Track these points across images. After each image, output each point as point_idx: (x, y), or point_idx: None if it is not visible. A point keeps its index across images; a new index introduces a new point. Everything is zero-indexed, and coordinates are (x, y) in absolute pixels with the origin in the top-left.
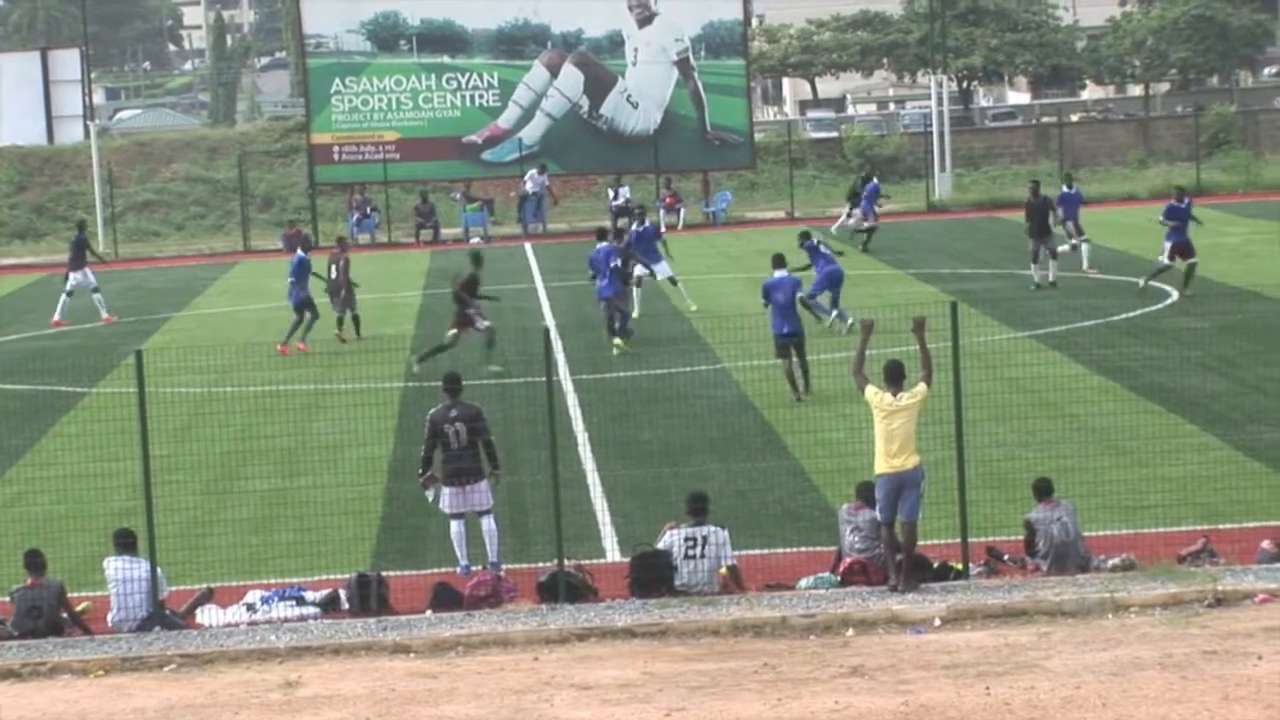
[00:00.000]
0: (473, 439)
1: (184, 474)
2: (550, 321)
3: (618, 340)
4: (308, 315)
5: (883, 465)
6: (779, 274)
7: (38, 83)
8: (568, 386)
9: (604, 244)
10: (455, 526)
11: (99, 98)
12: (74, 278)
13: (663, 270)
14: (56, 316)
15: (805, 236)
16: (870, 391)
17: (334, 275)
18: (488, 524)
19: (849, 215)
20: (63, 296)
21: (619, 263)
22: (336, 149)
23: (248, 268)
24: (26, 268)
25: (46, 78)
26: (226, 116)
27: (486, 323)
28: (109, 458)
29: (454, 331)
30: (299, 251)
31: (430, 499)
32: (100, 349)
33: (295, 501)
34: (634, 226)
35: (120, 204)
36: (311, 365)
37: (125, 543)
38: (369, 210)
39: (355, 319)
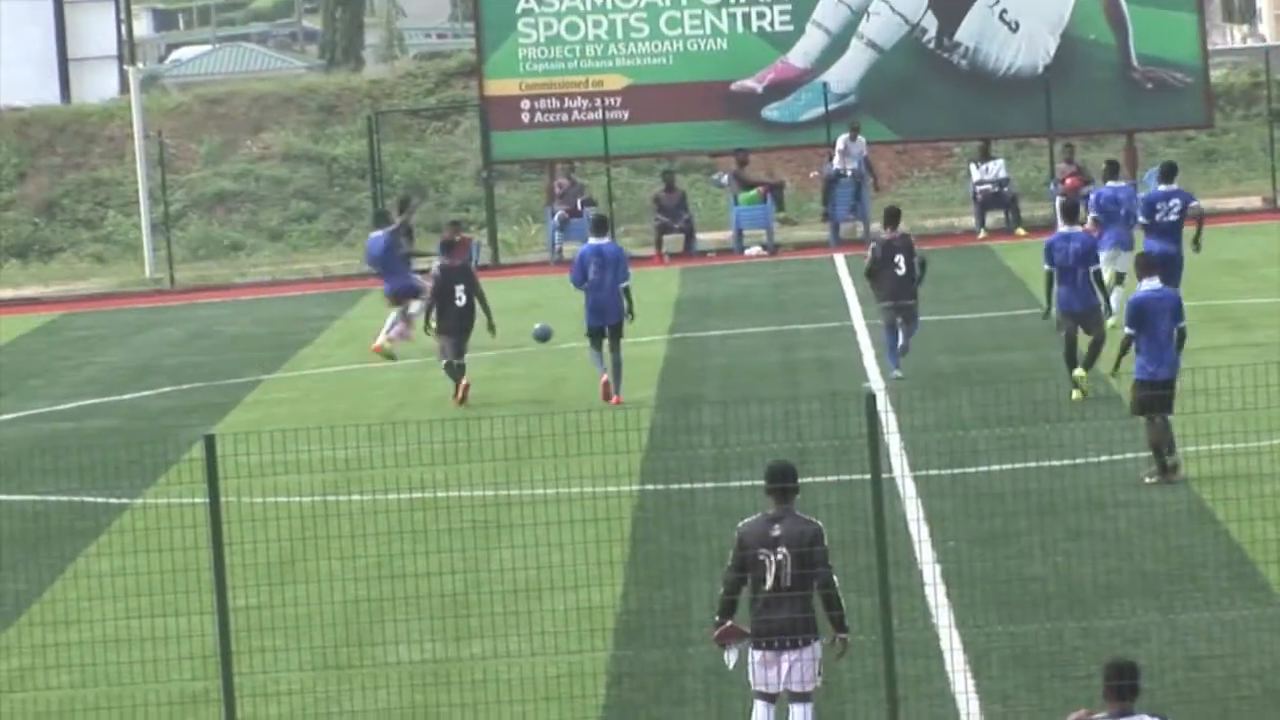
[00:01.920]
0: (805, 577)
1: (284, 636)
2: (876, 382)
3: (1078, 373)
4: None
5: None
6: None
7: (46, 10)
8: (907, 488)
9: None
10: (762, 711)
11: (143, 28)
12: None
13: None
14: None
15: None
16: None
17: None
18: (803, 716)
19: None
20: None
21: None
22: (526, 104)
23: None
24: (29, 304)
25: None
26: (347, 55)
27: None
28: (163, 611)
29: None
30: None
31: (728, 662)
32: (149, 433)
33: (464, 681)
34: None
35: (178, 199)
36: (492, 458)
37: None
38: (581, 205)
39: None
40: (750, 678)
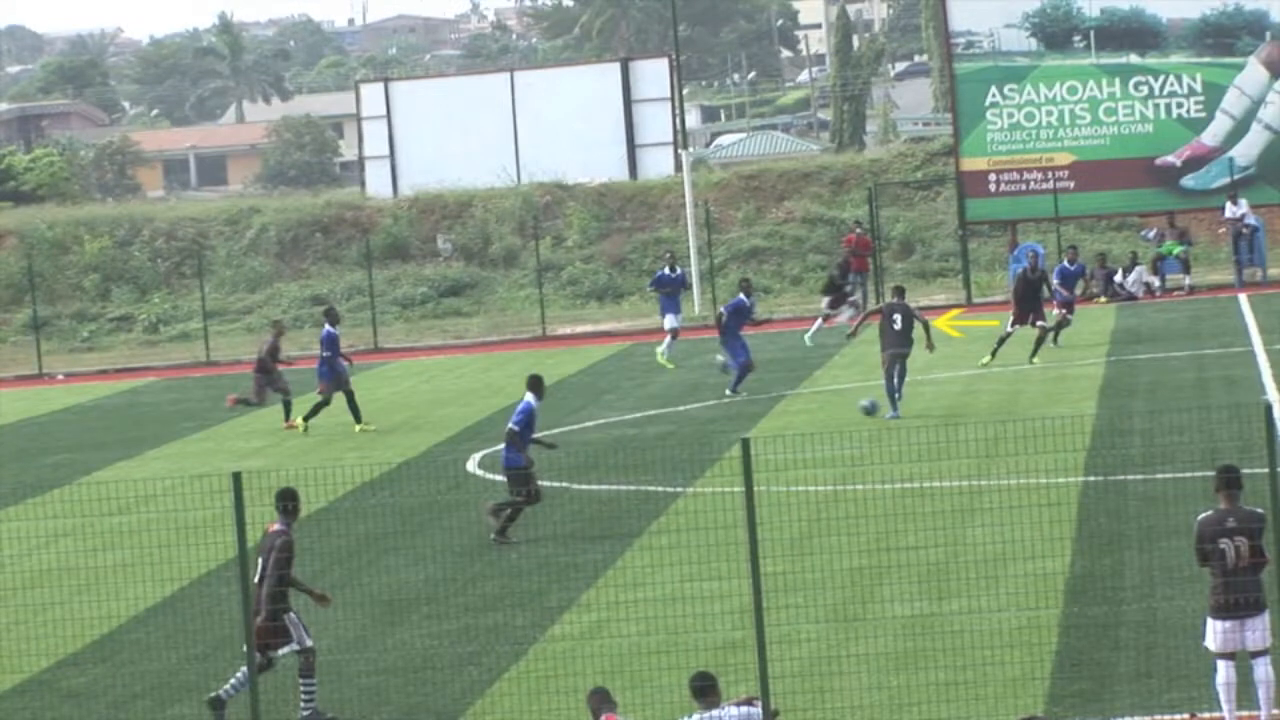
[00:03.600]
0: (1257, 558)
1: (804, 595)
2: (1274, 396)
3: None
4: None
5: None
6: None
7: (617, 102)
8: None
9: None
10: (1225, 670)
11: (693, 119)
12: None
13: None
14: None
15: None
16: None
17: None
18: (1265, 669)
19: None
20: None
21: None
22: (993, 177)
23: None
24: (605, 336)
25: (628, 95)
26: (853, 139)
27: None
28: (709, 575)
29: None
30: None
31: None
32: (696, 437)
33: (946, 630)
34: None
35: (720, 253)
36: (965, 456)
37: (704, 687)
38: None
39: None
40: (1213, 645)
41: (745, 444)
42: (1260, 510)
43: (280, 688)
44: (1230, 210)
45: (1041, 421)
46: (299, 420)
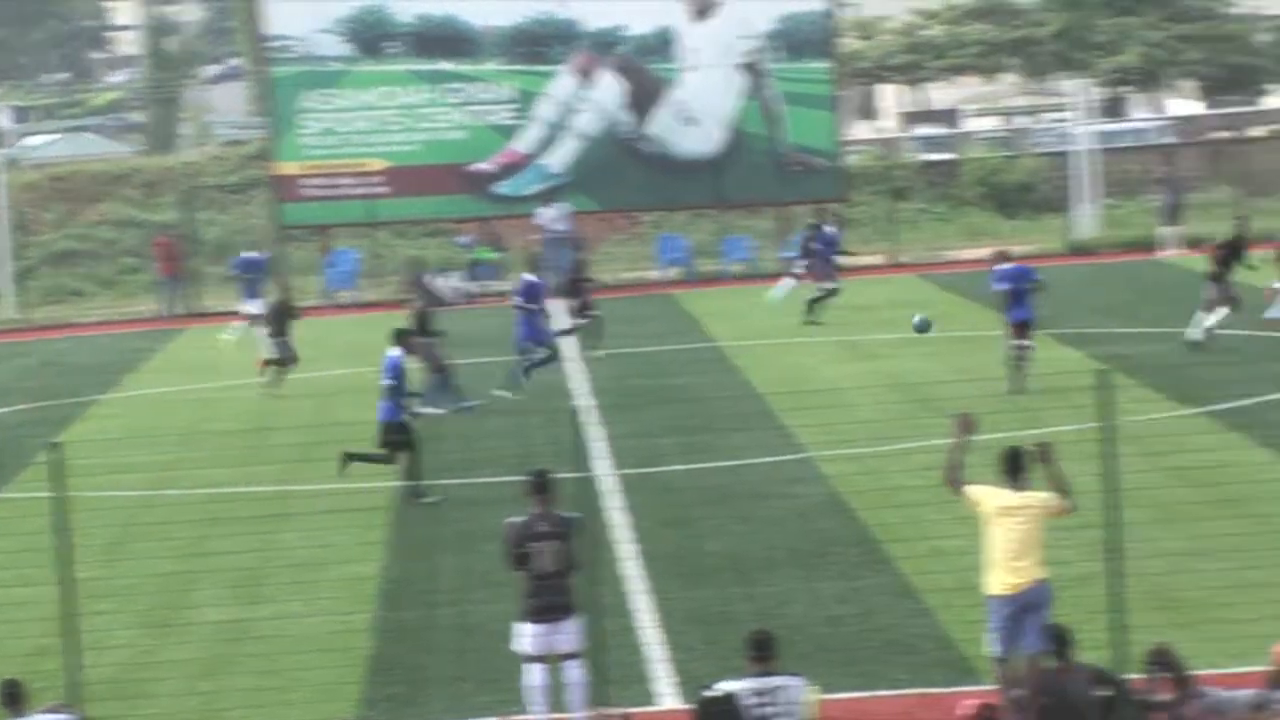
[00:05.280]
0: (567, 562)
1: (117, 601)
2: (588, 400)
3: None
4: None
5: (998, 583)
6: None
7: None
8: (609, 485)
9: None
10: (538, 674)
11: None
12: None
13: None
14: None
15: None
16: (975, 490)
17: None
18: (576, 672)
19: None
20: None
21: None
22: (306, 182)
23: (196, 336)
24: None
25: None
26: (166, 142)
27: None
28: (17, 581)
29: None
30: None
31: None
32: (5, 442)
33: (258, 636)
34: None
35: (31, 256)
36: (276, 461)
37: (11, 695)
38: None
39: None
40: (526, 648)
41: (55, 447)
42: (572, 515)
43: None
44: (542, 216)
45: (353, 427)
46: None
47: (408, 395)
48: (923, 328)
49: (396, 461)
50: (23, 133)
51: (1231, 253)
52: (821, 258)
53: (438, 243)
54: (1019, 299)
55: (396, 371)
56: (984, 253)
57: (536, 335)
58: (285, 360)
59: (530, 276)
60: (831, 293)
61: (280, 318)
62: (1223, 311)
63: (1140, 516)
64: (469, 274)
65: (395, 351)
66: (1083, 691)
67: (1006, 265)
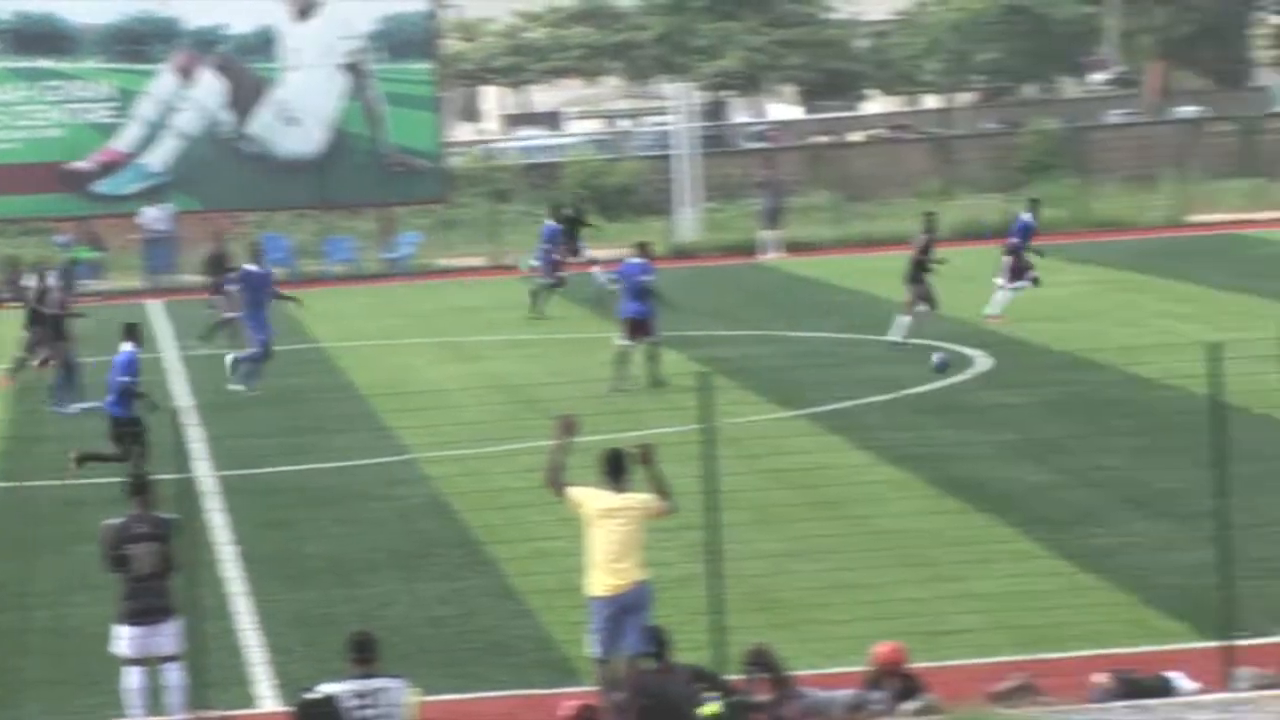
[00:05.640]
0: (166, 564)
1: None
2: (187, 401)
3: None
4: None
5: (599, 584)
6: None
7: None
8: (209, 486)
9: None
10: (137, 677)
11: None
12: None
13: None
14: None
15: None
16: (577, 492)
17: None
18: (176, 674)
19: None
20: None
21: None
22: None
23: None
24: None
25: None
26: None
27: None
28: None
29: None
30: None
31: None
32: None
33: None
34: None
35: None
36: None
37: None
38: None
39: None
40: (125, 650)
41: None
42: (171, 516)
43: None
44: (145, 216)
45: None
46: None
47: (138, 393)
48: (942, 367)
49: (129, 458)
50: None
51: (926, 254)
52: (547, 256)
53: (35, 241)
54: (635, 296)
55: (132, 368)
56: (595, 254)
57: (257, 328)
58: None
59: (251, 267)
60: (554, 287)
61: None
62: (922, 310)
63: (740, 518)
64: (67, 273)
65: (128, 347)
66: (682, 692)
67: (635, 260)
